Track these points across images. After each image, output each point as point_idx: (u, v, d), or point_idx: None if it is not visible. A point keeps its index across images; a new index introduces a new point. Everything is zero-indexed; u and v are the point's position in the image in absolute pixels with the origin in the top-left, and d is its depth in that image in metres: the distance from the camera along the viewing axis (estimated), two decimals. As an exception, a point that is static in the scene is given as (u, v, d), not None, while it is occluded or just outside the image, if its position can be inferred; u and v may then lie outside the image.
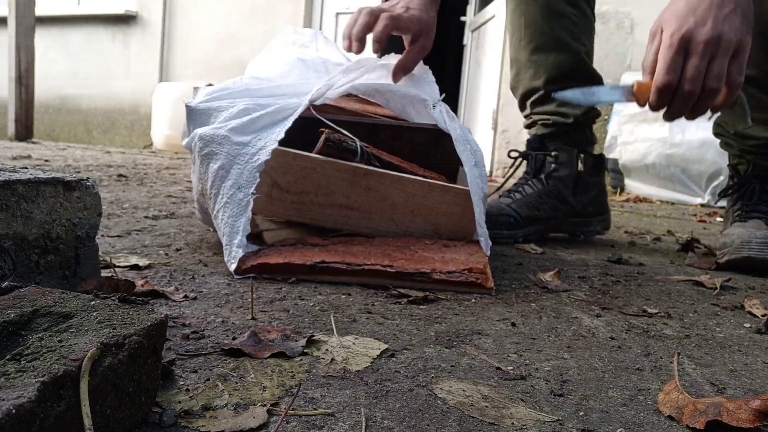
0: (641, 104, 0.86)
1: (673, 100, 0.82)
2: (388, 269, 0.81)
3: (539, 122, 1.37)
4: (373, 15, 1.05)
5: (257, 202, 0.86)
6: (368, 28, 1.04)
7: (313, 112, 0.97)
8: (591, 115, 1.37)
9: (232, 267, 0.82)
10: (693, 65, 0.76)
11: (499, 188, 1.43)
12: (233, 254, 0.82)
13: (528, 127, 1.42)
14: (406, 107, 1.10)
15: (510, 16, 1.38)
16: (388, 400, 0.47)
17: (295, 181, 0.92)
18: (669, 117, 0.85)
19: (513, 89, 1.44)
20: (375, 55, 1.07)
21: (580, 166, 1.35)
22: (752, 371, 0.61)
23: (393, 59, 1.08)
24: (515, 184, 1.38)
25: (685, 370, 0.59)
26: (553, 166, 1.34)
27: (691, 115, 0.85)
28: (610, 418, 0.47)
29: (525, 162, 1.40)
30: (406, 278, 0.81)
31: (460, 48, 5.28)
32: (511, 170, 1.42)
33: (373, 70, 1.07)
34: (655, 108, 0.84)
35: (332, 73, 1.03)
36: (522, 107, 1.43)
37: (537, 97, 1.36)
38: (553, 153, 1.34)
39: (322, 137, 0.92)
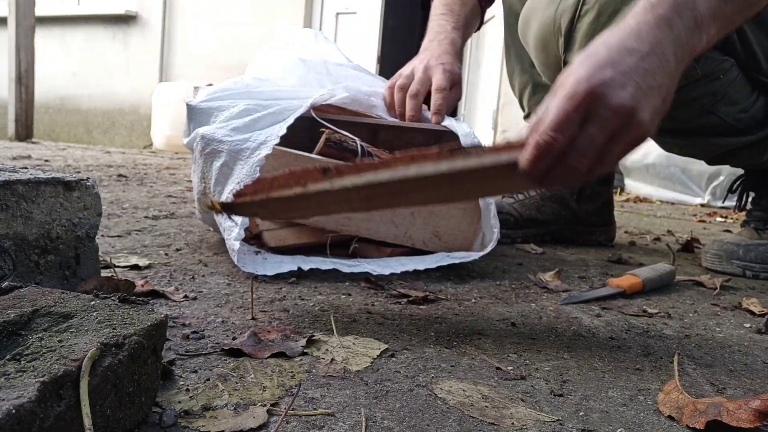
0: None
1: (547, 165, 0.55)
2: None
3: None
4: (421, 76, 1.06)
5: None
6: (426, 84, 1.07)
7: (313, 114, 0.97)
8: None
9: (235, 258, 0.82)
10: (589, 135, 0.54)
11: None
12: (230, 246, 0.83)
13: None
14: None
15: (504, 14, 1.39)
16: (388, 400, 0.47)
17: (295, 181, 0.92)
18: (530, 180, 0.57)
19: (512, 88, 1.44)
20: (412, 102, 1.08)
21: None
22: (752, 371, 0.61)
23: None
24: None
25: (685, 370, 0.59)
26: None
27: (553, 184, 0.58)
28: (610, 418, 0.47)
29: None
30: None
31: (460, 48, 5.28)
32: None
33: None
34: (527, 171, 0.55)
35: (334, 78, 1.02)
36: (522, 107, 1.43)
37: (529, 90, 1.36)
38: None
39: (323, 137, 0.92)
